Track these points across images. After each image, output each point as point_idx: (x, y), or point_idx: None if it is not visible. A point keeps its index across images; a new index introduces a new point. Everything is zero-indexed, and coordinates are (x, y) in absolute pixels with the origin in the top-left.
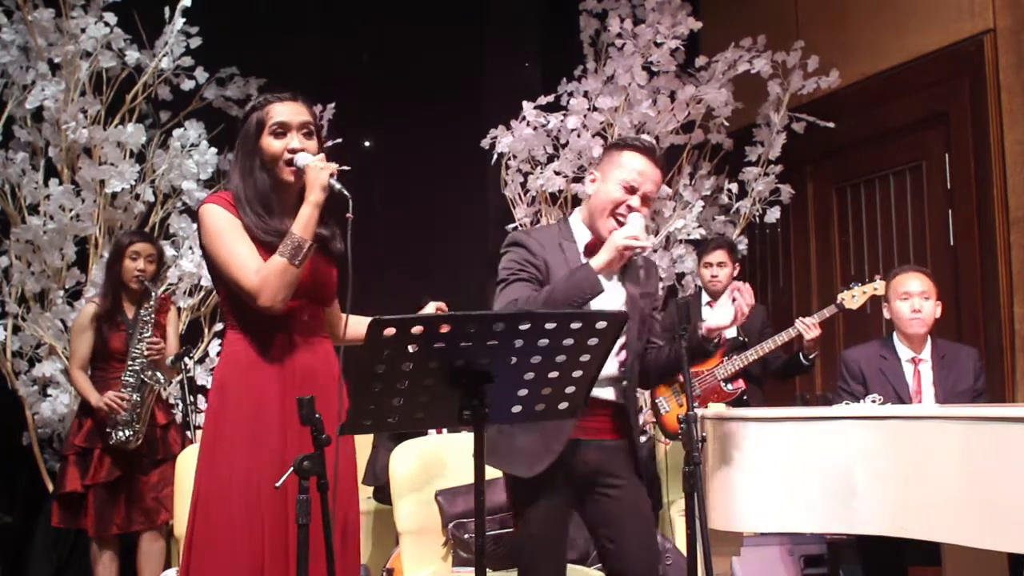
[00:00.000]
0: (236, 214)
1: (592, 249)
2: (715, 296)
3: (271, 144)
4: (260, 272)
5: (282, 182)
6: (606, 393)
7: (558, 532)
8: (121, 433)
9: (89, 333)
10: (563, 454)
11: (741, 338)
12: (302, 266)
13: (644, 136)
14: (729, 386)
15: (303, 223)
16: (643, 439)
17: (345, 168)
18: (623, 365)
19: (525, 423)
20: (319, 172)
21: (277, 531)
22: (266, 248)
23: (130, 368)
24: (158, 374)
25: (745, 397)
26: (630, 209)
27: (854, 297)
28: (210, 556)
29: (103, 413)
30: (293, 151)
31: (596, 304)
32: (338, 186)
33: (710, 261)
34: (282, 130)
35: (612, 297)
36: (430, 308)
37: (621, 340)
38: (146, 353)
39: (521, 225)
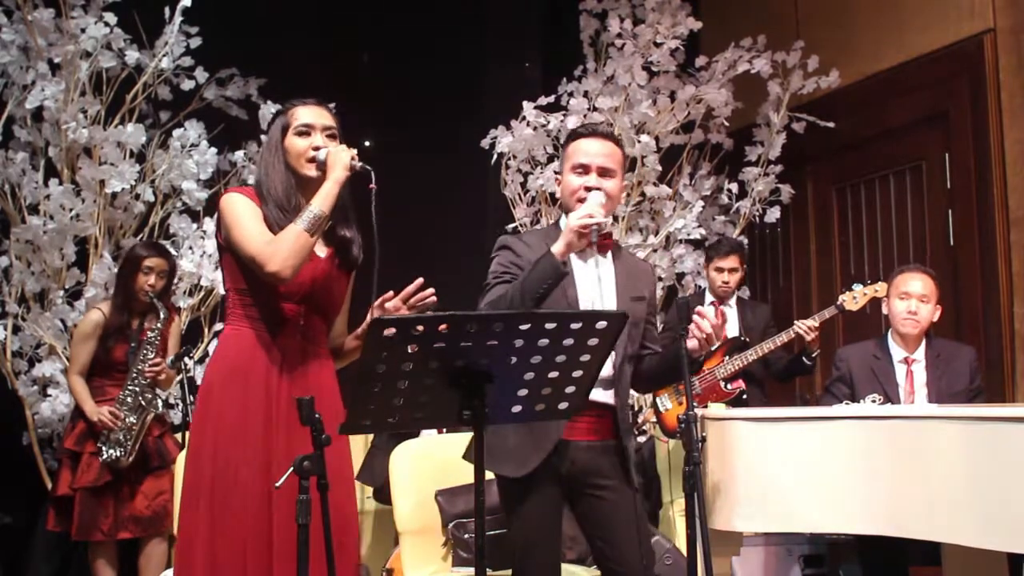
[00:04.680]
0: (258, 204)
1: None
2: (722, 300)
3: (296, 143)
4: (273, 241)
5: (305, 179)
6: (596, 394)
7: (550, 532)
8: (112, 451)
9: (92, 342)
10: (552, 454)
11: (743, 338)
12: (316, 237)
13: (598, 122)
14: (728, 385)
15: (323, 196)
16: (643, 439)
17: None
18: (614, 367)
19: (516, 424)
20: (341, 154)
21: (261, 530)
22: None
23: (129, 387)
24: (157, 399)
25: (744, 397)
26: (587, 190)
27: (855, 299)
28: (189, 552)
29: (97, 427)
30: (317, 148)
31: (586, 305)
32: (359, 164)
33: (722, 266)
34: (307, 130)
35: (605, 298)
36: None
37: None
38: (147, 374)
39: (521, 225)
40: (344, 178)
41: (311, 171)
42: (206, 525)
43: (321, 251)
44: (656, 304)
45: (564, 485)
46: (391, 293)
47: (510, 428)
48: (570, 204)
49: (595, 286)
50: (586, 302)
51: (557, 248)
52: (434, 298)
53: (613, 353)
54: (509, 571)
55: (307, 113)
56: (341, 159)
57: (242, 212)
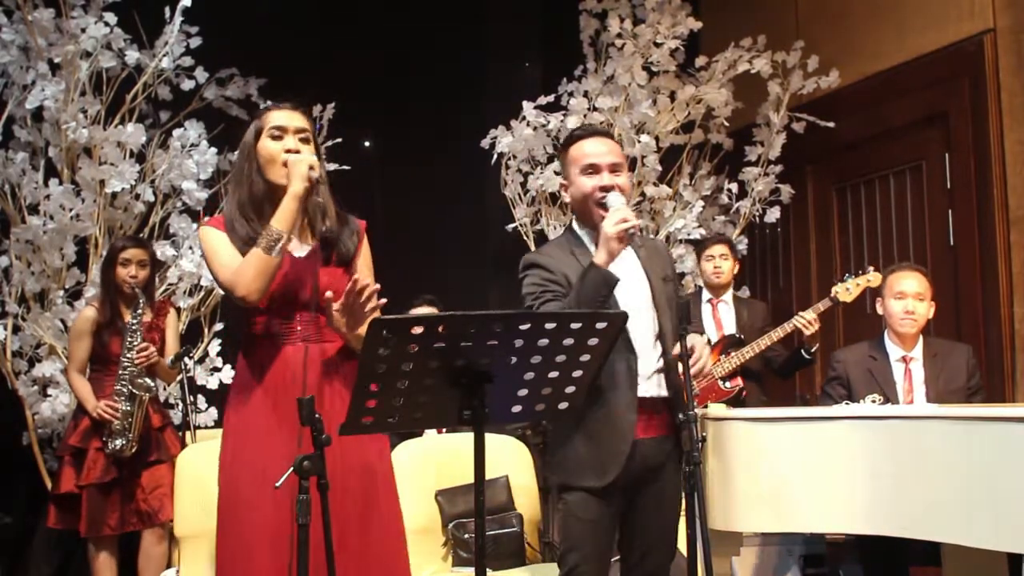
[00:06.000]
0: (226, 232)
1: None
2: (716, 292)
3: (268, 146)
4: (238, 267)
5: (277, 186)
6: (652, 388)
7: (608, 536)
8: (116, 442)
9: (87, 338)
10: (628, 456)
11: (738, 335)
12: (278, 257)
13: (594, 122)
14: (727, 384)
15: (281, 214)
16: None
17: (345, 168)
18: (664, 355)
19: (586, 434)
20: (299, 165)
21: (264, 536)
22: None
23: (121, 377)
24: (147, 382)
25: (744, 395)
26: (605, 190)
27: (848, 290)
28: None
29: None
30: (289, 151)
31: (623, 299)
32: (316, 174)
33: (711, 254)
34: (279, 133)
35: (638, 288)
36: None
37: (656, 331)
38: (136, 361)
39: (521, 226)
40: (303, 191)
41: (283, 178)
42: (220, 533)
43: (301, 251)
44: (676, 279)
45: (630, 484)
46: (331, 293)
47: (578, 438)
48: (585, 207)
49: (628, 280)
50: (628, 299)
51: (600, 258)
52: (378, 291)
53: (659, 342)
54: (510, 571)
55: (279, 116)
56: (299, 171)
57: (213, 246)
